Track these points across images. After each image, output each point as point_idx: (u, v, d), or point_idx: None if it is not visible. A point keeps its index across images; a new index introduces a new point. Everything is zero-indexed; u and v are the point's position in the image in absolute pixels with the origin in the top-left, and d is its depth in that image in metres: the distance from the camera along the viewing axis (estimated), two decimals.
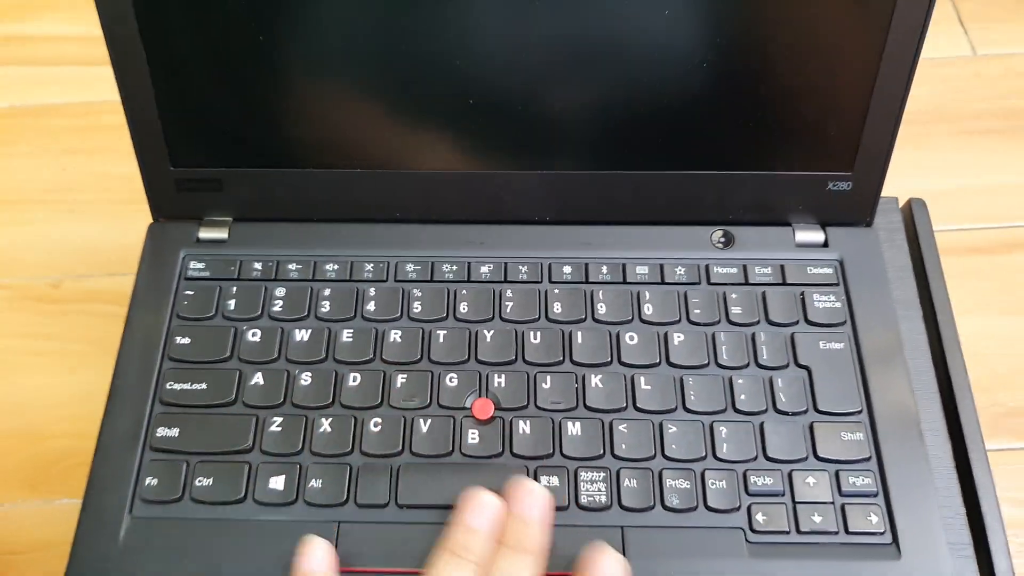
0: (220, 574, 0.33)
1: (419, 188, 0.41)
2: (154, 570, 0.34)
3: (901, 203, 0.44)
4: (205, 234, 0.41)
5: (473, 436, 0.36)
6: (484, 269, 0.40)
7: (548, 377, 0.37)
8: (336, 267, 0.40)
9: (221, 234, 0.41)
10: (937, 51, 0.58)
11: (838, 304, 0.39)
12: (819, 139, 0.39)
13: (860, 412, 0.36)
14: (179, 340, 0.38)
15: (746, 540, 0.34)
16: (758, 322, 0.38)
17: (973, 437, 0.38)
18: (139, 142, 0.39)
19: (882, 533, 0.34)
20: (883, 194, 0.40)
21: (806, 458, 0.35)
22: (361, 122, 0.39)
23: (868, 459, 0.35)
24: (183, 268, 0.40)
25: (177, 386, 0.37)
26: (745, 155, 0.39)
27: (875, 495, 0.35)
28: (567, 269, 0.40)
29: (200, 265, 0.40)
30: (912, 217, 0.44)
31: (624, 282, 0.39)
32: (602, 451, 0.35)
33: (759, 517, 0.34)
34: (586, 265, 0.40)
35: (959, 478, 0.37)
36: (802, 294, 0.39)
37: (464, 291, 0.39)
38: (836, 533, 0.34)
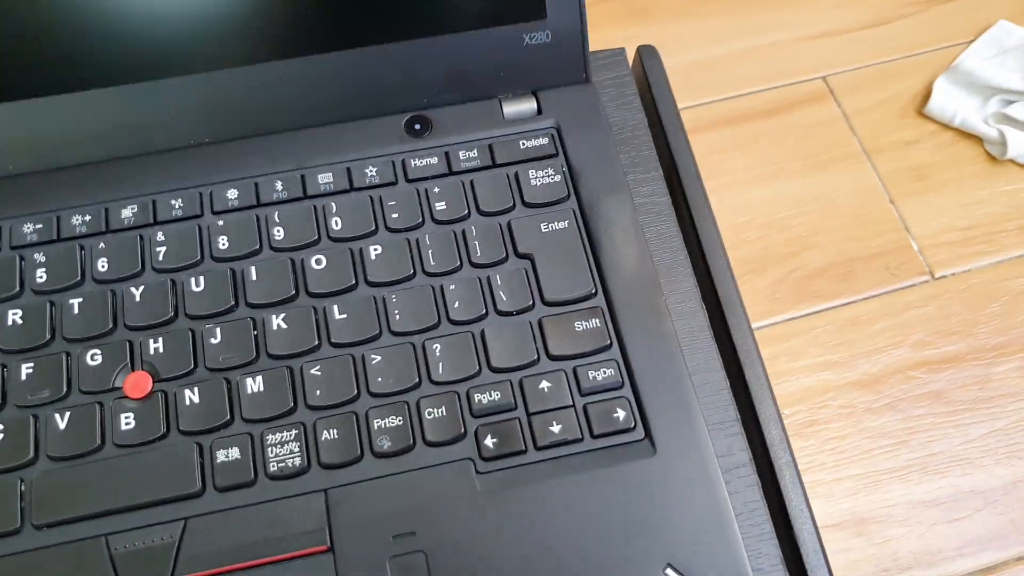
0: None
1: (22, 124, 0.32)
2: None
3: (631, 56, 0.40)
4: None
5: (127, 421, 0.29)
6: (126, 213, 0.32)
7: (217, 329, 0.30)
8: None
9: None
10: None
11: (557, 177, 0.33)
12: None
13: (594, 295, 0.31)
14: None
15: (476, 471, 0.28)
16: (468, 215, 0.33)
17: (729, 298, 0.34)
18: None
19: (632, 428, 0.29)
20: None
21: (537, 360, 0.30)
22: None
23: (608, 346, 0.31)
24: None
25: None
26: (421, 17, 0.33)
27: (620, 387, 0.30)
28: (232, 193, 0.33)
29: None
30: (644, 69, 0.39)
31: (305, 196, 0.33)
32: (292, 404, 0.29)
33: (488, 441, 0.29)
34: (255, 184, 0.33)
35: (721, 351, 0.33)
36: (516, 174, 0.34)
37: (101, 245, 0.32)
38: (580, 440, 0.29)
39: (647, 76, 0.38)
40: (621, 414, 0.29)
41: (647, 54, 0.39)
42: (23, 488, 0.28)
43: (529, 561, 0.27)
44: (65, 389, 0.29)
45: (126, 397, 0.29)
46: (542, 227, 0.33)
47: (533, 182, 0.33)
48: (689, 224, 0.35)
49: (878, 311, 0.45)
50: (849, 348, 0.44)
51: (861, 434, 0.43)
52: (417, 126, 0.34)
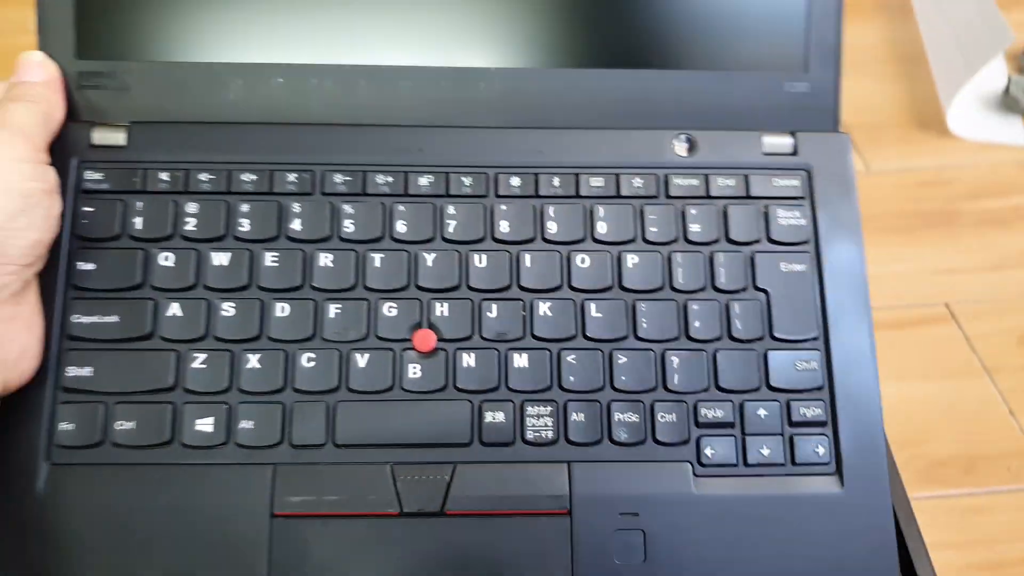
0: (149, 524, 0.33)
1: (347, 84, 0.37)
2: (78, 520, 0.33)
3: None
4: (100, 138, 0.36)
5: (415, 371, 0.35)
6: (423, 181, 0.37)
7: (494, 305, 0.35)
8: (253, 177, 0.36)
9: (118, 138, 0.36)
10: None
11: (803, 221, 0.37)
12: (769, 35, 0.38)
13: (816, 339, 0.36)
14: (82, 266, 0.35)
15: (694, 474, 0.34)
16: (717, 240, 0.37)
17: None
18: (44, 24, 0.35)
19: (827, 463, 0.35)
20: None
21: (758, 388, 0.35)
22: (278, 8, 0.34)
23: (820, 388, 0.35)
24: (78, 179, 0.36)
25: (85, 319, 0.35)
26: (700, 53, 0.38)
27: (824, 424, 0.35)
28: (515, 181, 0.37)
29: (97, 176, 0.36)
30: None
31: (577, 196, 0.37)
32: (549, 383, 0.35)
33: (708, 451, 0.34)
34: (536, 176, 0.37)
35: None
36: (766, 208, 0.37)
37: (401, 207, 0.36)
38: (782, 465, 0.34)
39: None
40: (821, 450, 0.35)
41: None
42: (328, 411, 0.34)
43: (726, 560, 0.33)
44: (365, 332, 0.35)
45: (414, 349, 0.35)
46: (782, 266, 0.37)
47: (781, 221, 0.37)
48: None
49: (1000, 505, 0.49)
50: (970, 533, 0.48)
51: None
52: (686, 143, 0.38)
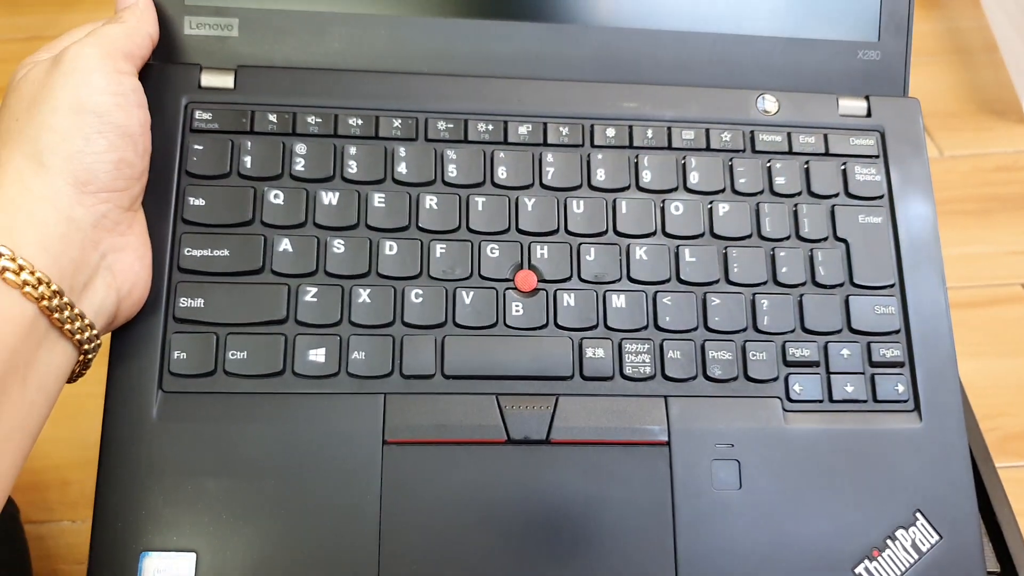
0: (262, 451, 0.34)
1: (448, 39, 0.39)
2: (191, 448, 0.34)
3: None
4: (209, 81, 0.38)
5: (517, 308, 0.36)
6: (522, 129, 0.39)
7: (592, 249, 0.38)
8: (360, 122, 0.38)
9: (226, 81, 0.38)
10: None
11: (878, 177, 0.40)
12: (846, 8, 0.41)
13: (893, 286, 0.38)
14: (193, 201, 0.36)
15: (783, 409, 0.36)
16: (800, 193, 0.39)
17: None
18: None
19: (906, 401, 0.37)
20: None
21: (841, 330, 0.38)
22: None
23: (898, 331, 0.38)
24: (187, 118, 0.37)
25: (196, 252, 0.36)
26: (781, 20, 0.41)
27: (902, 366, 0.37)
28: (610, 132, 0.39)
29: (207, 116, 0.37)
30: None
31: (669, 147, 0.39)
32: (646, 323, 0.37)
33: (796, 387, 0.37)
34: (630, 128, 0.39)
35: None
36: (844, 165, 0.40)
37: (502, 154, 0.38)
38: (865, 401, 0.37)
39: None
40: (901, 388, 0.37)
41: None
42: (436, 344, 0.36)
43: (814, 486, 0.36)
44: (470, 271, 0.37)
45: (516, 289, 0.37)
46: (860, 218, 0.39)
47: (858, 177, 0.40)
48: None
49: None
50: None
51: None
52: (773, 102, 0.40)
